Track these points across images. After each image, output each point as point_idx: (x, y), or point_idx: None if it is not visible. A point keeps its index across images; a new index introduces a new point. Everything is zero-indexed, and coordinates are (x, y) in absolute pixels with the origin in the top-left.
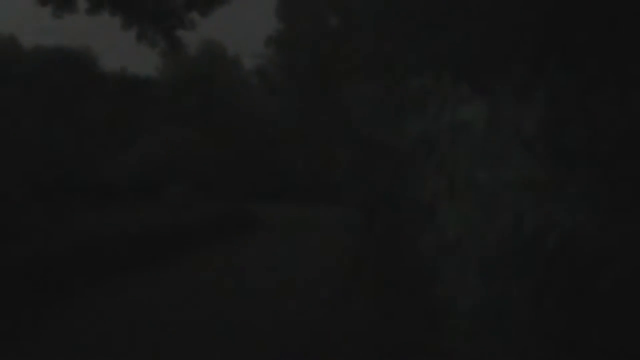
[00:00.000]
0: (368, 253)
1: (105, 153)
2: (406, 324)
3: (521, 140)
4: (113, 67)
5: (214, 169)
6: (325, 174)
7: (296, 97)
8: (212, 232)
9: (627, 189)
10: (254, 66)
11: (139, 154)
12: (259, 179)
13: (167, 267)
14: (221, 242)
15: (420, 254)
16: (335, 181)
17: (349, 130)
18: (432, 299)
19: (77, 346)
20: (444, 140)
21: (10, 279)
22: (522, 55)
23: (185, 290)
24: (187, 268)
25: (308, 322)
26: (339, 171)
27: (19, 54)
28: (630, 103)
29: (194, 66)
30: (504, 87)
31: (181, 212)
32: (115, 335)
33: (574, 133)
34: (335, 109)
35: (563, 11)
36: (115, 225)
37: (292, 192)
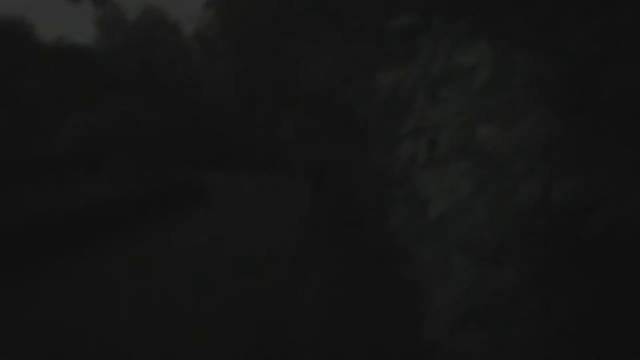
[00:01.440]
0: (317, 231)
1: (42, 127)
2: (371, 313)
3: (539, 93)
4: (49, 38)
5: (156, 139)
6: (271, 139)
7: (238, 61)
8: (156, 204)
9: None
10: (193, 30)
11: (77, 126)
12: (203, 148)
13: (109, 244)
14: (166, 214)
15: (384, 232)
16: (281, 147)
17: (298, 91)
18: (401, 285)
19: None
20: (428, 91)
21: None
22: None
23: (132, 266)
24: (133, 242)
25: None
26: (285, 136)
27: None
28: None
29: (133, 33)
30: (520, 26)
31: (123, 185)
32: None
33: (600, 91)
34: (281, 69)
35: None
36: (52, 202)
37: (237, 160)
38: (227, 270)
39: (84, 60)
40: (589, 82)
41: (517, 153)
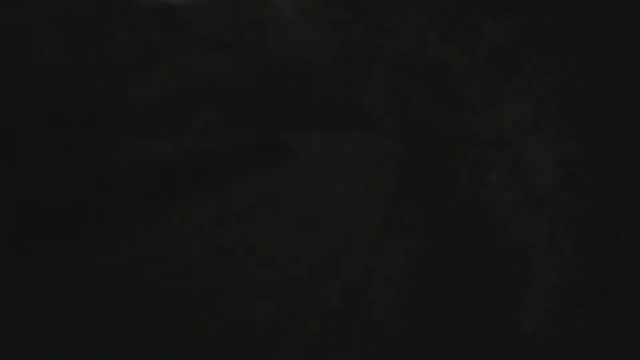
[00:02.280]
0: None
1: (129, 82)
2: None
3: None
4: None
5: (244, 97)
6: (358, 99)
7: (325, 16)
8: (242, 161)
9: None
10: None
11: (164, 82)
12: (291, 106)
13: (195, 199)
14: (252, 172)
15: (476, 202)
16: (369, 107)
17: (385, 45)
18: (495, 263)
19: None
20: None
21: (29, 214)
22: None
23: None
24: (218, 198)
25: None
26: (373, 96)
27: None
28: None
29: None
30: None
31: (209, 142)
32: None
33: None
34: (370, 24)
35: None
36: (138, 156)
37: (325, 119)
38: (313, 231)
39: (173, 17)
40: None
41: None
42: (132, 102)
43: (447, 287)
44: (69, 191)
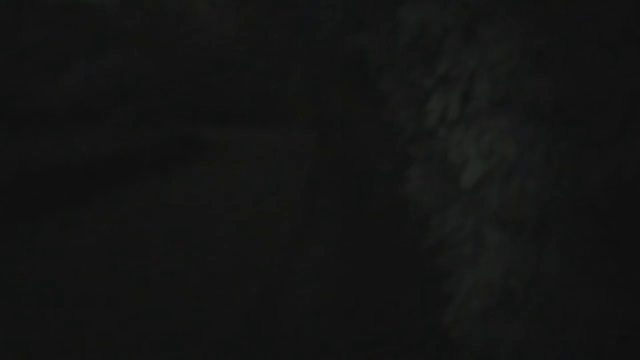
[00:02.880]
0: (318, 195)
1: (42, 79)
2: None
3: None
4: None
5: (160, 93)
6: (275, 93)
7: (242, 9)
8: (159, 158)
9: None
10: None
11: (78, 79)
12: (207, 102)
13: (108, 197)
14: (169, 169)
15: (397, 199)
16: (286, 102)
17: (305, 40)
18: (417, 261)
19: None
20: (464, 31)
21: None
22: None
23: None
24: (131, 195)
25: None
26: (290, 90)
27: None
28: None
29: None
30: None
31: (124, 138)
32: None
33: None
34: (287, 16)
35: None
36: (52, 154)
37: (241, 115)
38: (220, 227)
39: (88, 12)
40: None
41: (581, 108)
42: (46, 100)
43: (366, 285)
44: None
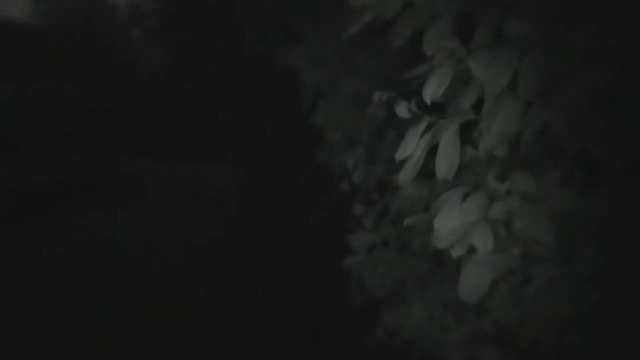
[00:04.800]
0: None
1: None
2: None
3: None
4: None
5: (82, 121)
6: (207, 129)
7: (174, 37)
8: (77, 191)
9: None
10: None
11: None
12: (134, 133)
13: (24, 231)
14: (87, 202)
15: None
16: (217, 135)
17: (238, 70)
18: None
19: None
20: None
21: None
22: None
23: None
24: (49, 232)
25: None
26: (221, 122)
27: None
28: None
29: (68, 7)
30: None
31: (40, 169)
32: None
33: None
34: (220, 47)
35: None
36: None
37: (170, 147)
38: (147, 264)
39: (10, 32)
40: None
41: None
42: None
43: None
44: None
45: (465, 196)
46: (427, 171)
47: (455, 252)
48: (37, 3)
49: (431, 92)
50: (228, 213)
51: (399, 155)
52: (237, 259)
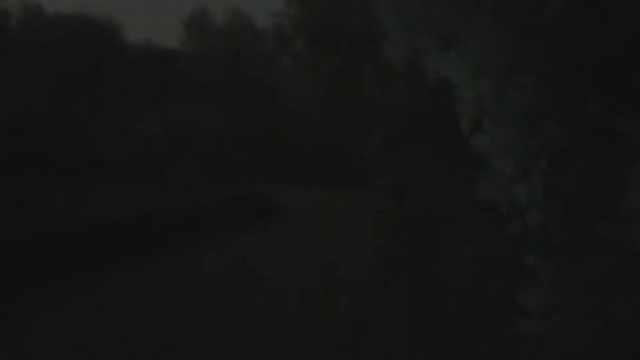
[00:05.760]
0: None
1: (113, 130)
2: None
3: None
4: (136, 40)
5: (230, 149)
6: (354, 158)
7: (322, 75)
8: (227, 214)
9: None
10: (272, 25)
11: (143, 132)
12: (280, 162)
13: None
14: (237, 225)
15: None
16: (365, 167)
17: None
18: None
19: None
20: None
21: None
22: None
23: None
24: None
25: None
26: (369, 156)
27: (40, 20)
28: None
29: (219, 38)
30: None
31: (189, 195)
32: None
33: None
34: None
35: None
36: (114, 208)
37: (316, 177)
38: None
39: (167, 63)
40: None
41: None
42: (111, 150)
43: None
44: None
45: None
46: None
47: None
48: (189, 32)
49: None
50: (371, 245)
51: None
52: (381, 298)
